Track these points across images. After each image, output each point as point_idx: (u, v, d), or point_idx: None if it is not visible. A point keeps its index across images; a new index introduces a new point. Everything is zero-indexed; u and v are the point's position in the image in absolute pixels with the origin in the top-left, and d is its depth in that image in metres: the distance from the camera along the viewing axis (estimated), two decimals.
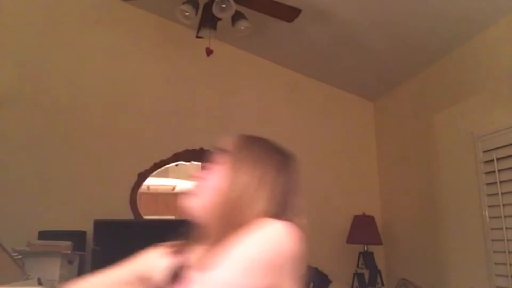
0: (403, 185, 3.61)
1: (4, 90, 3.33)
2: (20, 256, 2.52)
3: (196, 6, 2.64)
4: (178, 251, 0.94)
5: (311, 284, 3.25)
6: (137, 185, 3.50)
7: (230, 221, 0.80)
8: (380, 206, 3.89)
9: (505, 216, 2.42)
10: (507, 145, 2.42)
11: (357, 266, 3.43)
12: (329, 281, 3.22)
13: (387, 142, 3.93)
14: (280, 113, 3.91)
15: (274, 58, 3.90)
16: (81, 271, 2.92)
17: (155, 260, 0.97)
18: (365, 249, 3.44)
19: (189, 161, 3.66)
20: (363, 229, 3.44)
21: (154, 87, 3.70)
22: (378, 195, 3.94)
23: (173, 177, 5.06)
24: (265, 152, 0.93)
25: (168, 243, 1.00)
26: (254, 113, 3.85)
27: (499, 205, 2.46)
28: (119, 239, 3.03)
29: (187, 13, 2.62)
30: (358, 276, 3.38)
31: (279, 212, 0.83)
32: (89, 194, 3.32)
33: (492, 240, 2.51)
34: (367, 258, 3.41)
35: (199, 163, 3.89)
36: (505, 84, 2.46)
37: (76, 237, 2.95)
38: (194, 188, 0.89)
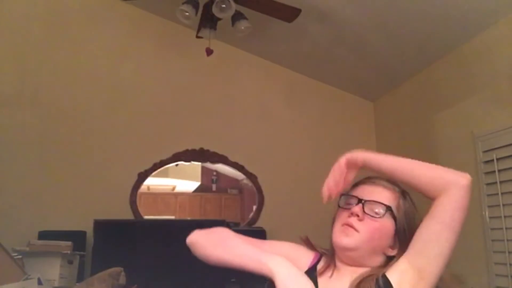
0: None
1: (4, 90, 3.34)
2: (20, 256, 2.52)
3: (196, 6, 2.64)
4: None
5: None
6: (137, 185, 3.50)
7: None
8: None
9: (505, 216, 2.42)
10: (507, 145, 2.42)
11: None
12: None
13: (387, 142, 3.93)
14: (280, 113, 3.91)
15: (274, 58, 3.90)
16: (81, 271, 2.92)
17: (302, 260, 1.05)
18: None
19: (189, 161, 3.66)
20: None
21: (154, 87, 3.70)
22: None
23: (173, 177, 5.06)
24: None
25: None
26: (254, 113, 3.85)
27: (499, 205, 2.46)
28: (119, 239, 3.03)
29: (187, 13, 2.62)
30: None
31: None
32: (89, 194, 3.32)
33: (492, 240, 2.51)
34: None
35: (199, 163, 3.90)
36: (505, 84, 2.46)
37: (76, 237, 2.96)
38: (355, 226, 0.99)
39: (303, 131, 3.91)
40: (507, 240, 2.39)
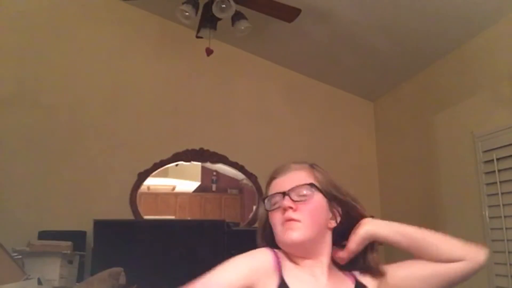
0: (403, 185, 3.61)
1: (4, 90, 3.33)
2: (20, 256, 2.52)
3: (196, 6, 2.64)
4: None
5: None
6: (137, 185, 3.50)
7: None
8: (380, 206, 3.89)
9: (505, 216, 2.42)
10: (507, 145, 2.42)
11: None
12: None
13: (387, 142, 3.93)
14: (280, 113, 3.91)
15: (274, 58, 3.90)
16: (81, 271, 2.92)
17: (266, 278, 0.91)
18: None
19: (189, 161, 3.66)
20: None
21: (154, 87, 3.70)
22: (378, 195, 3.94)
23: (173, 177, 5.06)
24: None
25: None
26: (254, 113, 3.85)
27: (499, 205, 2.46)
28: (119, 239, 3.03)
29: (187, 13, 2.62)
30: None
31: None
32: (89, 194, 3.32)
33: (492, 240, 2.51)
34: None
35: (199, 163, 3.90)
36: (505, 84, 2.46)
37: (76, 237, 2.96)
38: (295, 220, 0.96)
39: (303, 131, 3.91)
40: (507, 240, 2.40)
